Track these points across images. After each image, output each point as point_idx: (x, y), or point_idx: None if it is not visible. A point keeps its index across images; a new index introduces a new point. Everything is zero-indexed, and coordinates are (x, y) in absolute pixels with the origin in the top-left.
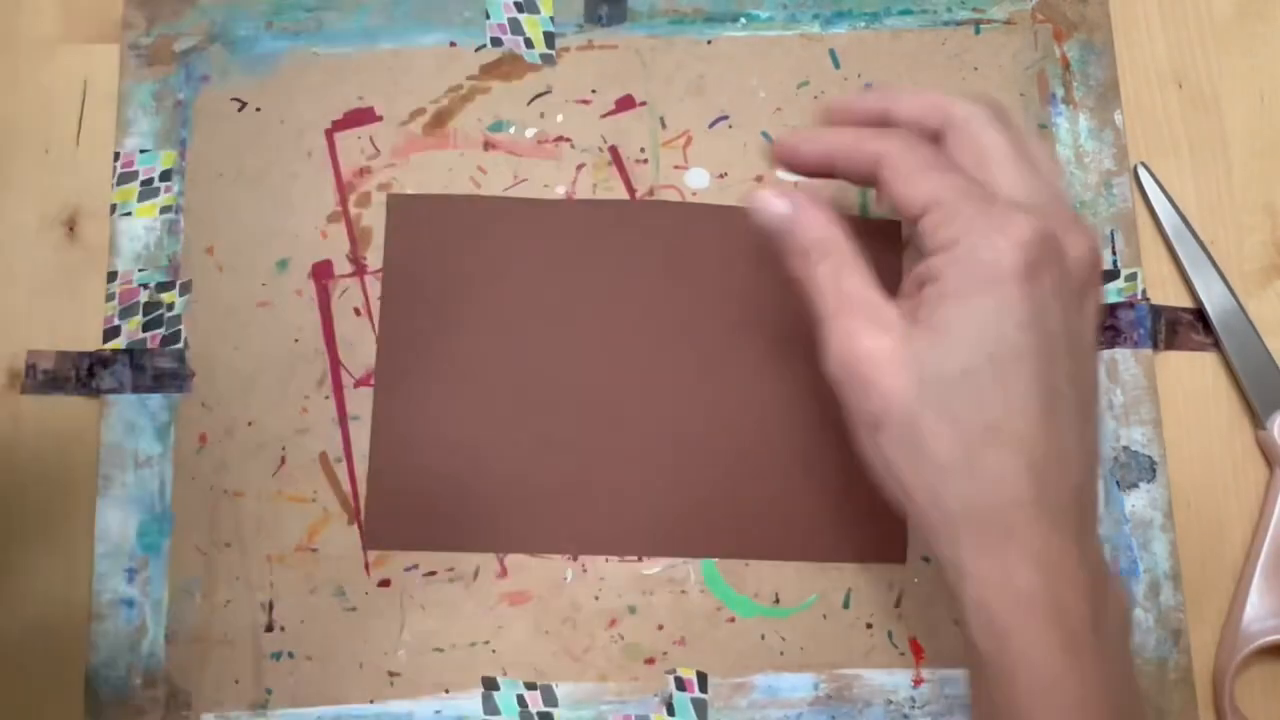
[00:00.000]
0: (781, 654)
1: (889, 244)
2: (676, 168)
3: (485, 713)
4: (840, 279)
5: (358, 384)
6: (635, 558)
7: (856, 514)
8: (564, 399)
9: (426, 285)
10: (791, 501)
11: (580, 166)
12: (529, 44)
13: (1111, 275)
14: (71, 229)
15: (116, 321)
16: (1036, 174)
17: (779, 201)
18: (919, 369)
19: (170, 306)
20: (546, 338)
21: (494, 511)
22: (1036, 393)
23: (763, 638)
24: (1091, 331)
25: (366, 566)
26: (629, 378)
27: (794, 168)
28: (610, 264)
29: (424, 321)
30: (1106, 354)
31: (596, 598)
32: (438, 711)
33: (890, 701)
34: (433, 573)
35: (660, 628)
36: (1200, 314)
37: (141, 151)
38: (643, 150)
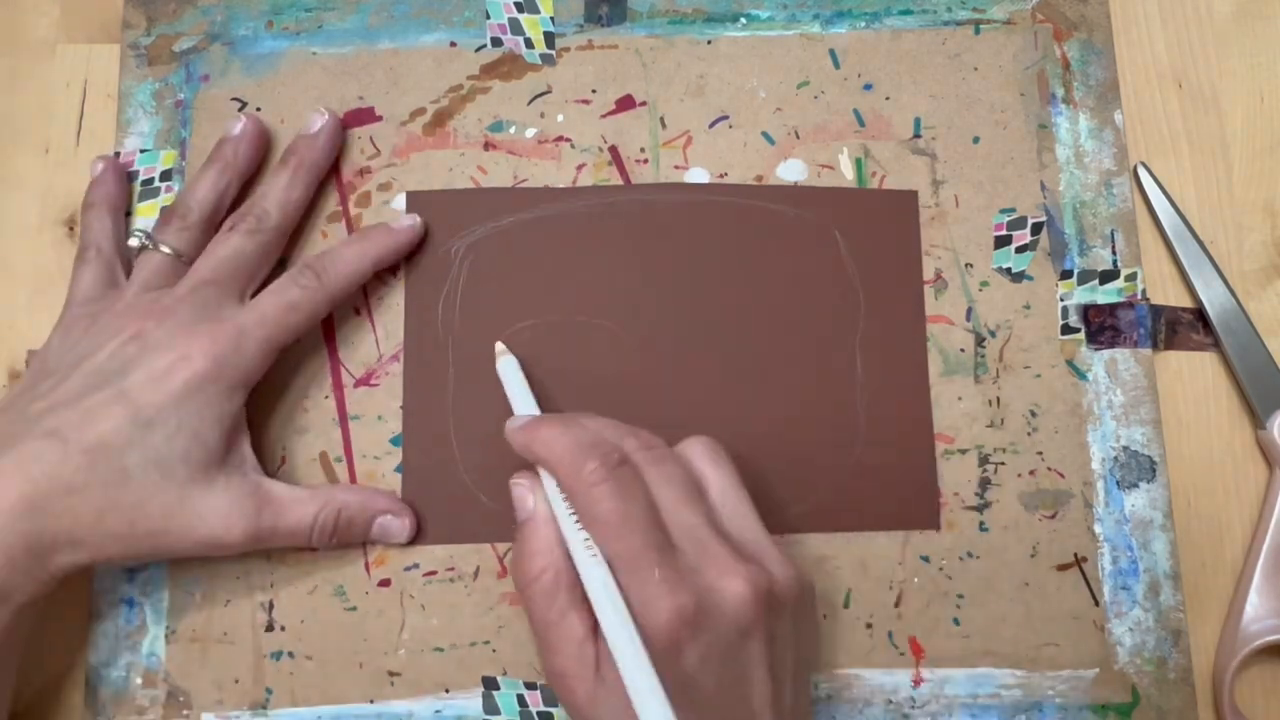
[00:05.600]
0: None
1: (903, 214)
2: (676, 168)
3: (485, 712)
4: (554, 602)
5: (358, 384)
6: None
7: (890, 485)
8: (591, 385)
9: (447, 279)
10: (827, 475)
11: (580, 166)
12: (529, 44)
13: (1111, 275)
14: (71, 229)
15: None
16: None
17: (525, 499)
18: (606, 717)
19: None
20: (569, 326)
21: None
22: None
23: None
24: (770, 657)
25: (366, 566)
26: (659, 361)
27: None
28: (633, 250)
29: (448, 314)
30: (1106, 354)
31: None
32: (438, 711)
33: (890, 701)
34: (433, 572)
35: None
36: (1200, 314)
37: (141, 151)
38: (643, 150)
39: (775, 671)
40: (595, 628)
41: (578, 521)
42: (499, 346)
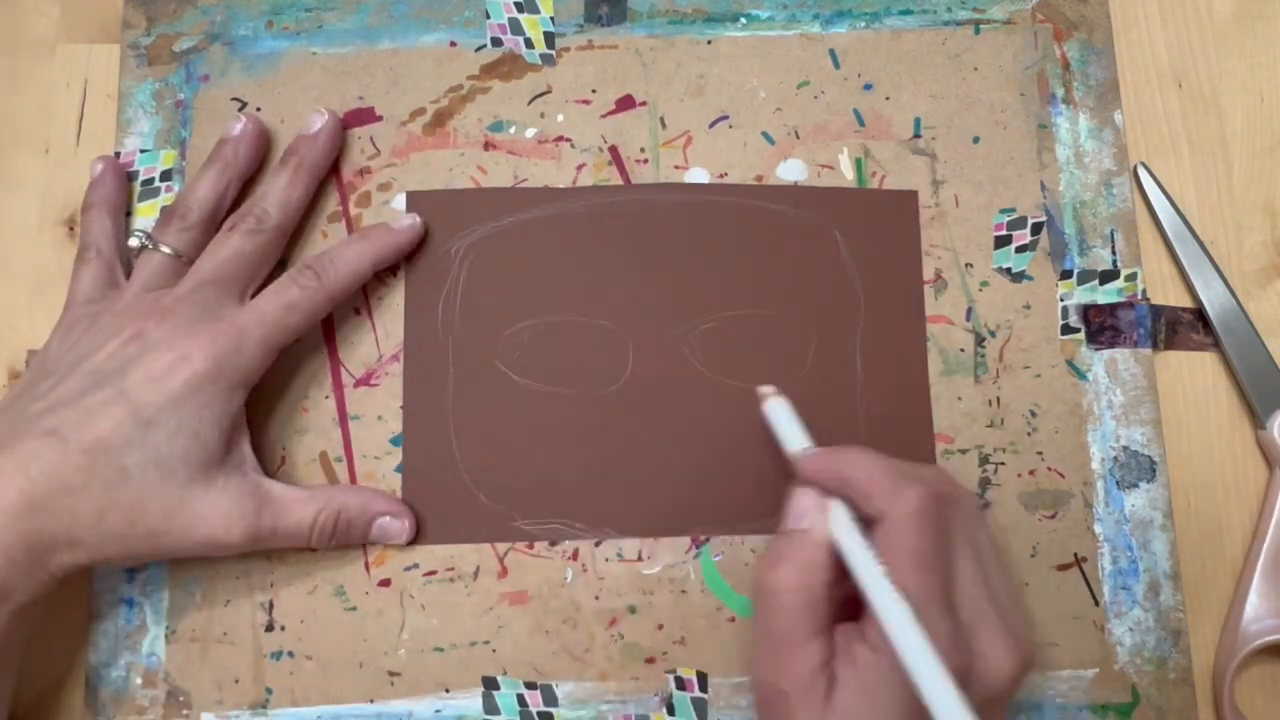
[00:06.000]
0: None
1: (903, 214)
2: (676, 168)
3: (485, 712)
4: (800, 622)
5: (358, 384)
6: (636, 557)
7: None
8: (591, 385)
9: (448, 279)
10: None
11: (580, 166)
12: (529, 44)
13: (1111, 275)
14: (71, 229)
15: None
16: (945, 581)
17: (807, 511)
18: None
19: None
20: (569, 326)
21: (521, 499)
22: None
23: None
24: None
25: (366, 566)
26: (658, 361)
27: (819, 485)
28: (633, 250)
29: (448, 314)
30: (1106, 354)
31: (596, 598)
32: (438, 711)
33: None
34: (433, 572)
35: (660, 628)
36: (1200, 314)
37: (141, 151)
38: (643, 150)
39: None
40: (832, 658)
41: (874, 554)
42: (766, 389)
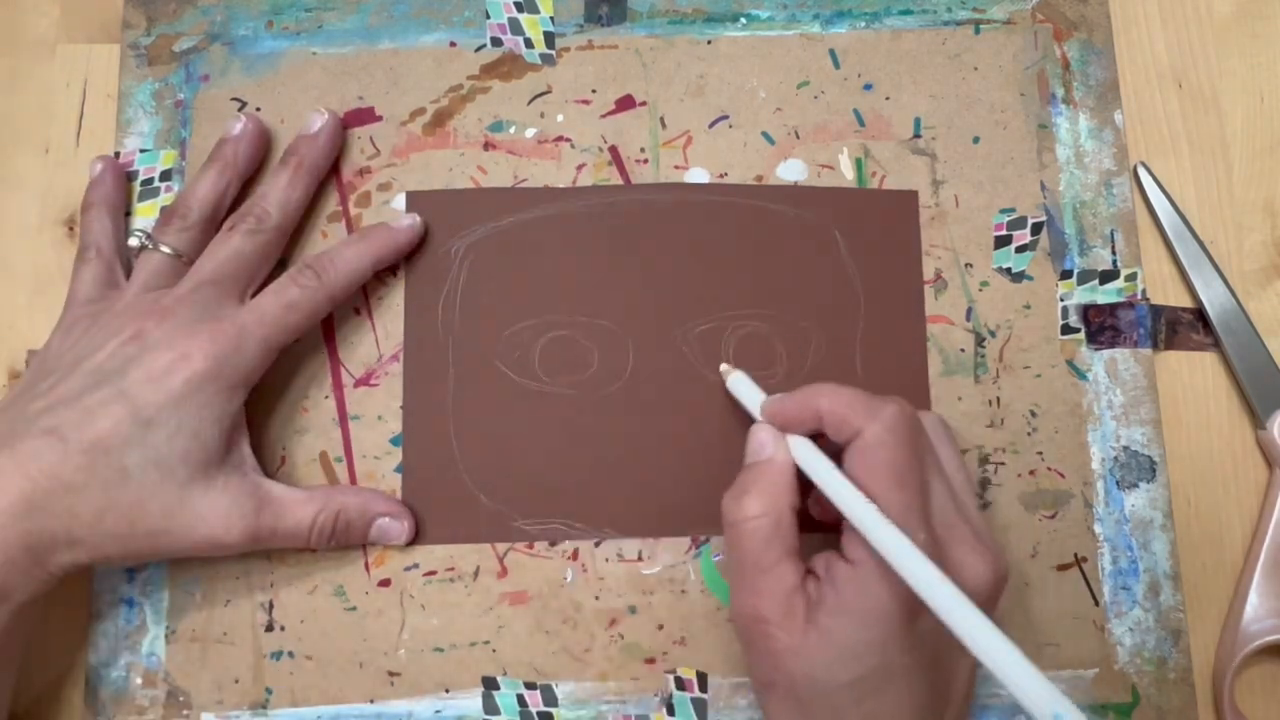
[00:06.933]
0: None
1: (903, 214)
2: (676, 168)
3: (485, 712)
4: (769, 547)
5: (358, 384)
6: (636, 557)
7: None
8: (591, 385)
9: (448, 279)
10: None
11: (580, 166)
12: (529, 44)
13: (1111, 275)
14: (71, 228)
15: None
16: (930, 496)
17: (765, 444)
18: (809, 666)
19: None
20: (570, 326)
21: (521, 499)
22: (909, 701)
23: None
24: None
25: (366, 566)
26: (658, 361)
27: (784, 428)
28: (633, 250)
29: (448, 314)
30: (1106, 354)
31: (596, 598)
32: (438, 711)
33: None
34: (433, 572)
35: (660, 628)
36: (1200, 314)
37: (141, 151)
38: (643, 150)
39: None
40: (805, 579)
41: (841, 472)
42: (725, 367)
